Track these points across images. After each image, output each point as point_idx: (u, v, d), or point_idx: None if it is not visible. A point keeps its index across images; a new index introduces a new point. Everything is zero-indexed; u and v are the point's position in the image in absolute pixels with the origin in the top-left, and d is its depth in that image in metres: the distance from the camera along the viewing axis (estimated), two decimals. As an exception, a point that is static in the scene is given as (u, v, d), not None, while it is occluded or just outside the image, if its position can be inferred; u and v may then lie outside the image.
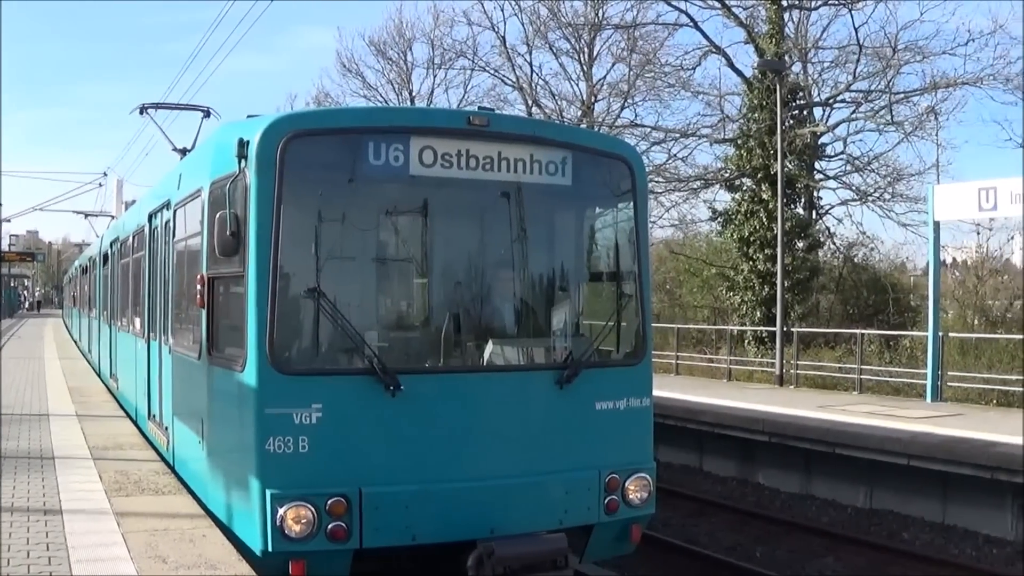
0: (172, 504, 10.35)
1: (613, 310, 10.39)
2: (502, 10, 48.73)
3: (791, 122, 39.80)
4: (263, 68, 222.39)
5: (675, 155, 44.75)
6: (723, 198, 44.21)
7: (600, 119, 45.38)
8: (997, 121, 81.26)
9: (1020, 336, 28.68)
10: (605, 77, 46.91)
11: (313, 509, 8.57)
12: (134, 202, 24.72)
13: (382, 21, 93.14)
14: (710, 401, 24.65)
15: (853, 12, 40.26)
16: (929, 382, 24.75)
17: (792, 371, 30.11)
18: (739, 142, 41.16)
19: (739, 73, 42.00)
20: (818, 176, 43.36)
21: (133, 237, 16.83)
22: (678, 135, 44.27)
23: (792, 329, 32.84)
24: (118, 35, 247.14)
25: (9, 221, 76.30)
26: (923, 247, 37.44)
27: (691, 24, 42.25)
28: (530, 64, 48.55)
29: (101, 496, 10.64)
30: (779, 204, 32.33)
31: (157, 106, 21.14)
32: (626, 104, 45.67)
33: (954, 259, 51.43)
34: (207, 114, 20.53)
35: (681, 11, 42.19)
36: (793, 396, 26.28)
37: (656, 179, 43.19)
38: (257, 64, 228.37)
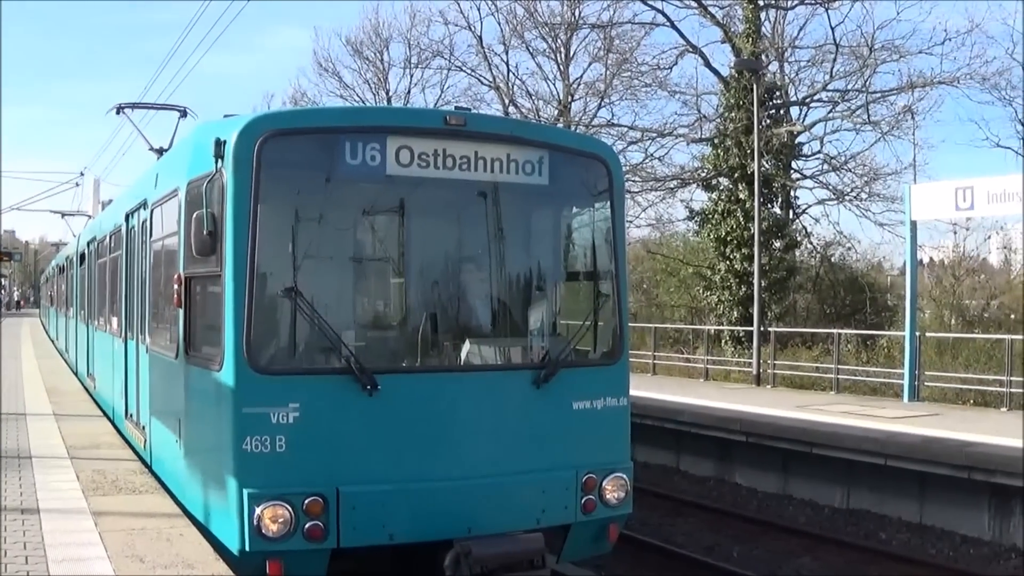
0: (149, 503, 10.32)
1: (590, 310, 10.42)
2: (478, 10, 49.09)
3: (768, 121, 39.82)
4: (240, 68, 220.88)
5: (652, 154, 44.83)
6: (700, 198, 44.31)
7: (577, 118, 45.38)
8: (974, 120, 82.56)
9: (996, 336, 28.76)
10: (582, 76, 47.01)
11: (290, 508, 8.57)
12: (111, 202, 24.58)
13: (359, 21, 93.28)
14: (687, 401, 24.66)
15: (830, 11, 40.55)
16: (906, 382, 24.79)
17: (769, 371, 30.08)
18: (716, 141, 41.22)
19: (716, 72, 42.12)
20: (795, 175, 43.43)
21: (110, 236, 16.76)
22: (655, 134, 44.28)
23: (769, 329, 32.85)
24: (94, 34, 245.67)
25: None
26: (900, 247, 37.56)
27: (667, 23, 42.33)
28: (507, 64, 48.67)
29: (78, 495, 10.61)
30: (756, 203, 32.36)
31: (134, 106, 21.02)
32: (603, 103, 45.76)
33: (931, 259, 51.66)
34: (184, 114, 20.43)
35: (657, 11, 42.26)
36: (770, 396, 26.33)
37: (633, 178, 43.16)
38: (234, 64, 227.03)
